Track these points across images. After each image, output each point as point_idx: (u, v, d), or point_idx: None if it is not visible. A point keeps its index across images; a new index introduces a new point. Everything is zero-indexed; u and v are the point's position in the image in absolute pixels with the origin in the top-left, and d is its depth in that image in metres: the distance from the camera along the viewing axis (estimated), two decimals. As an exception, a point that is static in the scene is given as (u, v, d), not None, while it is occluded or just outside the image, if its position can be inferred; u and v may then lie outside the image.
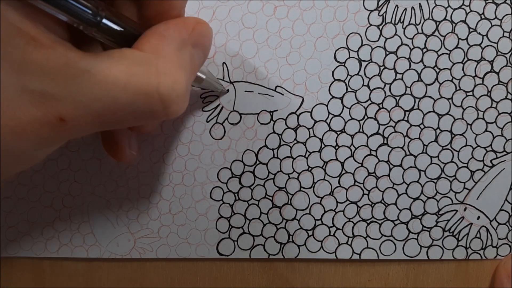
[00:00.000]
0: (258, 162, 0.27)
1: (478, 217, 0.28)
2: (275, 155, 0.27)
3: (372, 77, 0.27)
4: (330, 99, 0.27)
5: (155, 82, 0.16)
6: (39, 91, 0.15)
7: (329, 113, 0.27)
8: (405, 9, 0.26)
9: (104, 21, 0.17)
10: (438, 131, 0.27)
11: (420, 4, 0.26)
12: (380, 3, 0.26)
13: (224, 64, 0.26)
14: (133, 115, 0.17)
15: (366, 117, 0.27)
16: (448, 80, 0.27)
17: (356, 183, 0.27)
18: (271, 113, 0.27)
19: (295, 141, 0.27)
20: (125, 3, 0.20)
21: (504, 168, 0.27)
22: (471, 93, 0.27)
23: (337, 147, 0.27)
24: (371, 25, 0.26)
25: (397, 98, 0.27)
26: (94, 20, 0.17)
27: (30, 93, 0.15)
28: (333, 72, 0.26)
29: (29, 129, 0.15)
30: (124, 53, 0.17)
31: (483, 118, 0.27)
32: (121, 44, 0.18)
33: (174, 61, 0.17)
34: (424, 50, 0.26)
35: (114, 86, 0.16)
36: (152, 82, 0.16)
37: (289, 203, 0.27)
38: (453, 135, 0.27)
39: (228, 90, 0.26)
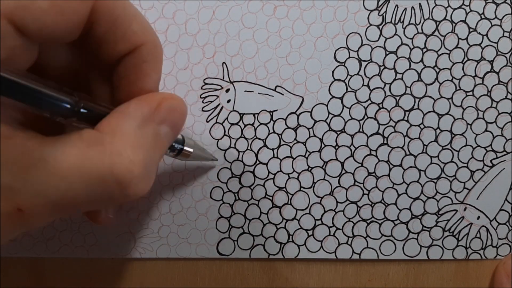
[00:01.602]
0: (258, 162, 0.27)
1: (478, 217, 0.28)
2: (275, 155, 0.27)
3: (372, 77, 0.27)
4: (330, 99, 0.27)
5: (109, 164, 0.15)
6: None
7: (329, 113, 0.27)
8: (405, 9, 0.26)
9: (82, 110, 0.16)
10: (438, 131, 0.27)
11: (420, 4, 0.26)
12: (380, 3, 0.26)
13: (224, 64, 0.26)
14: (90, 199, 0.16)
15: (366, 117, 0.27)
16: (448, 80, 0.27)
17: (356, 183, 0.27)
18: (271, 113, 0.27)
19: (295, 141, 0.27)
20: (99, 87, 0.20)
21: (504, 168, 0.27)
22: (471, 93, 0.27)
23: (337, 147, 0.27)
24: (371, 25, 0.26)
25: (397, 98, 0.27)
26: (73, 111, 0.16)
27: None
28: (333, 72, 0.26)
29: None
30: (82, 135, 0.16)
31: (483, 118, 0.27)
32: (90, 124, 0.17)
33: (131, 140, 0.16)
34: (424, 50, 0.26)
35: (68, 172, 0.15)
36: (106, 163, 0.15)
37: (289, 203, 0.27)
38: (453, 135, 0.27)
39: (217, 159, 0.26)
